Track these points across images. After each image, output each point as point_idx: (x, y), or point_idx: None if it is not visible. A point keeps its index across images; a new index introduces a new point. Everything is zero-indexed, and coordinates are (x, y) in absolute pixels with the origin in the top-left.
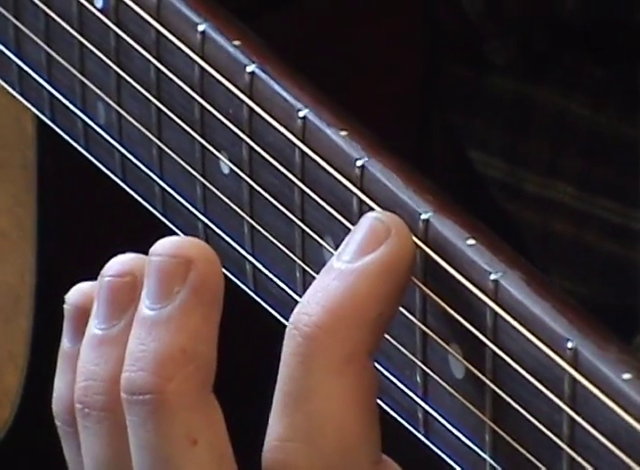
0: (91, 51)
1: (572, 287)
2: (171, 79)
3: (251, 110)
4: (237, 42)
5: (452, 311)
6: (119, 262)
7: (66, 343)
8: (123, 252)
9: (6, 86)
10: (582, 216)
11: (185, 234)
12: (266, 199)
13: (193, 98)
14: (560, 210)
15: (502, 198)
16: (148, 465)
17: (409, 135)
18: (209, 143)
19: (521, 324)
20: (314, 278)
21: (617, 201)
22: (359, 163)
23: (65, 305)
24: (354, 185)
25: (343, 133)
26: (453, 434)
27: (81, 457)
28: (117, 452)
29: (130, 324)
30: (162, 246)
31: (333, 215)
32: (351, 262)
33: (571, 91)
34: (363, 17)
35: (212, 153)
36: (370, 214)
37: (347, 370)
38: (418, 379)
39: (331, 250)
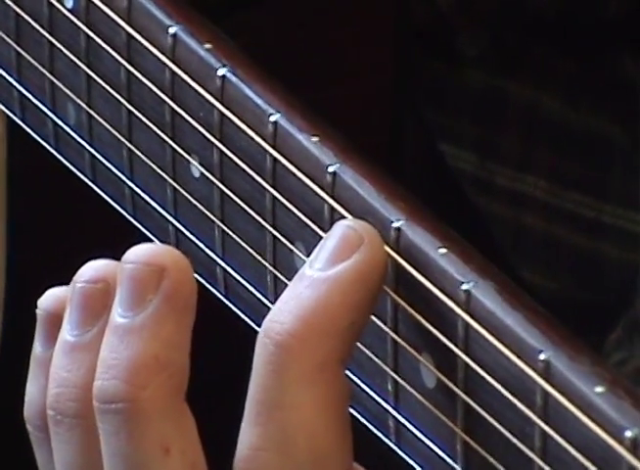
0: (61, 51)
1: (543, 281)
2: (142, 82)
3: (222, 114)
4: (208, 45)
5: (424, 321)
6: (92, 268)
7: (38, 347)
8: (95, 255)
9: None
10: (553, 210)
11: (156, 237)
12: (237, 204)
13: (163, 101)
14: (531, 203)
15: (473, 191)
16: None
17: (381, 131)
18: (180, 146)
19: (492, 335)
20: (285, 284)
21: (589, 195)
22: (331, 169)
23: (37, 310)
24: (326, 192)
25: (315, 139)
26: (424, 443)
27: (53, 464)
28: (89, 460)
29: (103, 331)
30: (135, 253)
31: (304, 222)
32: (324, 270)
33: (542, 85)
34: (334, 16)
35: (183, 156)
36: (342, 222)
37: (320, 379)
38: (389, 388)
39: (302, 256)
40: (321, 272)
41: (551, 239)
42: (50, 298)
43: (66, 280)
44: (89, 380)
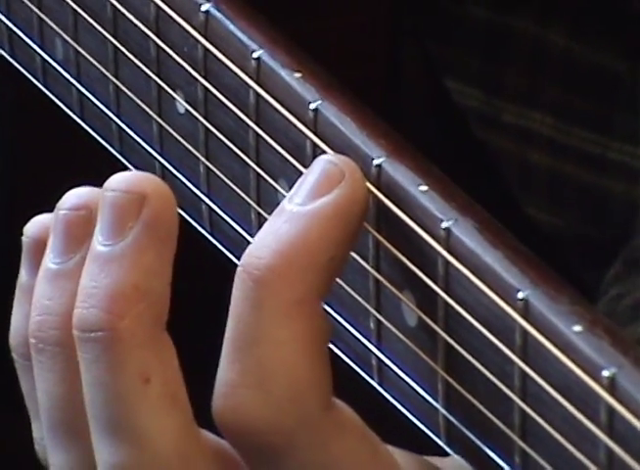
0: None
1: (548, 217)
2: (127, 17)
3: (206, 49)
4: None
5: (404, 259)
6: (75, 196)
7: (23, 275)
8: (83, 183)
9: None
10: (559, 147)
11: None
12: (221, 140)
13: (148, 36)
14: (536, 140)
15: (479, 127)
16: (100, 402)
17: (380, 65)
18: (165, 82)
19: (472, 273)
20: None
21: (595, 131)
22: (313, 105)
23: (23, 237)
24: (308, 128)
25: (298, 75)
26: (406, 382)
27: (33, 392)
28: (70, 388)
29: (85, 259)
30: (116, 181)
31: (286, 159)
32: (303, 205)
33: (547, 20)
34: None
35: (168, 92)
36: (323, 157)
37: (298, 314)
38: (372, 326)
39: (285, 193)
40: (300, 207)
41: (556, 175)
42: (35, 225)
43: (52, 210)
44: (71, 308)
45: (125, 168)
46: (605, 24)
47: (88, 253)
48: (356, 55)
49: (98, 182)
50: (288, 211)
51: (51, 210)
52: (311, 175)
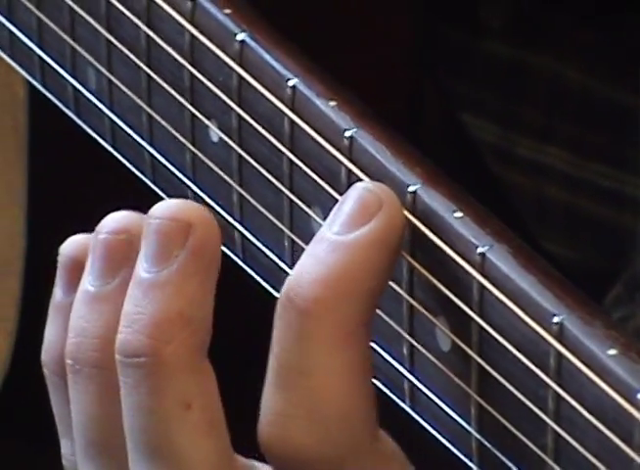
0: (81, 16)
1: (564, 251)
2: (161, 46)
3: (241, 78)
4: (227, 10)
5: (439, 284)
6: (115, 220)
7: (58, 293)
8: (109, 210)
9: None
10: (575, 181)
11: None
12: (255, 168)
13: (182, 65)
14: (553, 174)
15: (494, 162)
16: (140, 427)
17: (400, 99)
18: (199, 111)
19: (507, 298)
20: (303, 249)
21: (610, 165)
22: (348, 133)
23: (59, 256)
24: (343, 155)
25: (332, 103)
26: (439, 406)
27: (68, 409)
28: (105, 410)
29: (124, 283)
30: (162, 208)
31: (321, 186)
32: (343, 234)
33: (564, 56)
34: None
35: (202, 121)
36: (359, 185)
37: (344, 344)
38: (404, 351)
39: (319, 220)
40: (341, 236)
41: (572, 209)
42: (72, 244)
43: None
44: (108, 331)
45: (154, 196)
46: (620, 60)
47: (132, 278)
48: (377, 88)
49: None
50: (328, 240)
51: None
52: (349, 203)
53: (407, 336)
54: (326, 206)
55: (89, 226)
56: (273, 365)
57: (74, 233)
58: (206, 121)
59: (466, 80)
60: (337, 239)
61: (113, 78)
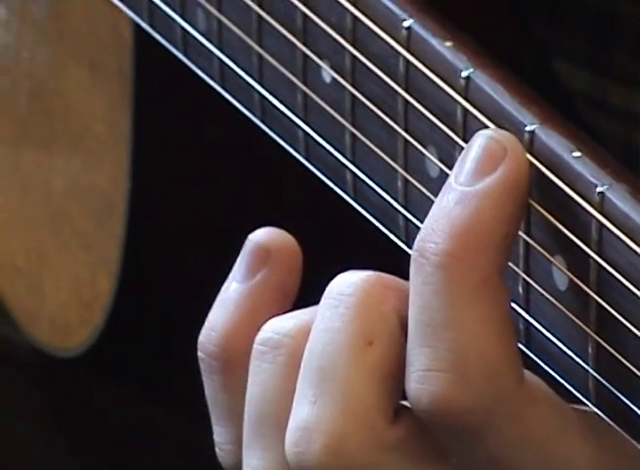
0: None
1: None
2: None
3: (355, 18)
4: None
5: (557, 223)
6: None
7: (237, 277)
8: (212, 153)
9: None
10: None
11: (285, 141)
12: (369, 108)
13: (295, 5)
14: None
15: (586, 110)
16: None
17: (497, 48)
18: (311, 51)
19: (627, 236)
20: (416, 188)
21: None
22: (464, 73)
23: (247, 241)
24: (459, 95)
25: (448, 44)
26: (555, 345)
27: (226, 395)
28: (285, 382)
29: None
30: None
31: (436, 125)
32: (471, 185)
33: None
34: None
35: (314, 61)
36: (483, 133)
37: (482, 295)
38: (520, 290)
39: (434, 159)
40: (469, 187)
41: None
42: (265, 233)
43: (188, 181)
44: (309, 314)
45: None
46: None
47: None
48: (474, 39)
49: (231, 152)
50: (455, 192)
51: (183, 182)
52: (473, 153)
53: (523, 275)
54: (441, 145)
55: (193, 167)
56: (413, 323)
57: (179, 176)
58: (319, 62)
59: (558, 28)
60: (464, 190)
61: (223, 19)
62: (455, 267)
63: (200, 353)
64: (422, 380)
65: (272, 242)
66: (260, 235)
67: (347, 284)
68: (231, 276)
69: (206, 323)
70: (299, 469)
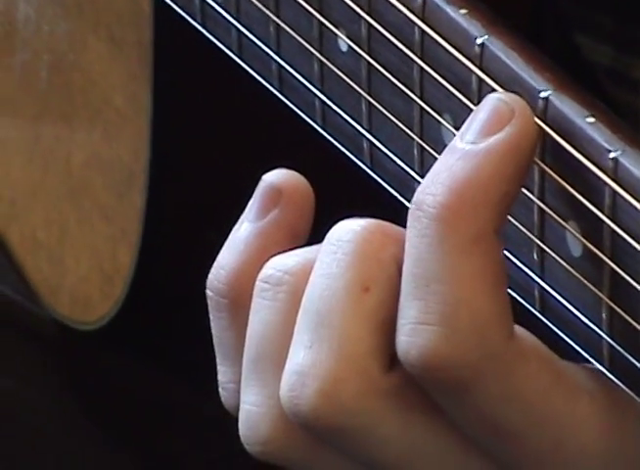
0: None
1: None
2: None
3: None
4: None
5: (571, 189)
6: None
7: (249, 217)
8: (231, 124)
9: None
10: None
11: (302, 111)
12: (385, 76)
13: None
14: None
15: (609, 84)
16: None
17: (520, 20)
18: (328, 20)
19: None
20: (432, 156)
21: None
22: (479, 40)
23: (261, 182)
24: (474, 63)
25: (463, 11)
26: (570, 311)
27: (231, 334)
28: (285, 318)
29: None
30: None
31: (452, 93)
32: (475, 143)
33: None
34: None
35: (331, 30)
36: (493, 95)
37: (476, 250)
38: (535, 257)
39: (450, 127)
40: (473, 145)
41: None
42: (278, 174)
43: (208, 152)
44: (310, 253)
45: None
46: None
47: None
48: (498, 11)
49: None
50: (460, 149)
51: (204, 153)
52: (482, 113)
53: (538, 241)
54: (457, 113)
55: (213, 141)
56: (406, 275)
57: (198, 147)
58: (336, 31)
59: (581, 2)
60: (468, 147)
61: None
62: (450, 221)
63: (208, 291)
64: (411, 333)
65: (284, 183)
66: (273, 176)
67: (347, 230)
68: (243, 216)
69: (216, 262)
70: (294, 413)
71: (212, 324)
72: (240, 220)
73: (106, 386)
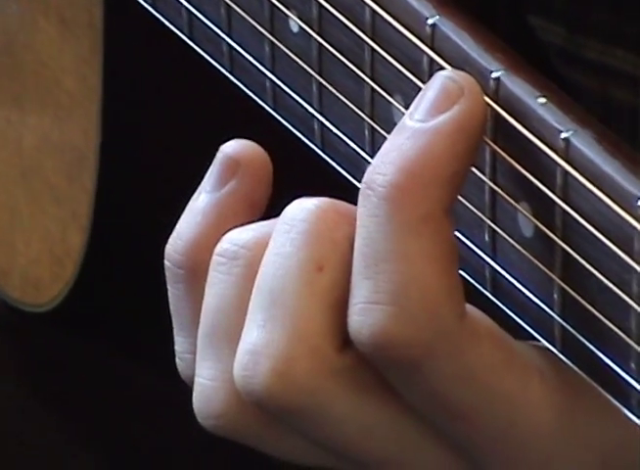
0: None
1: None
2: None
3: None
4: None
5: (522, 169)
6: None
7: (206, 188)
8: (182, 105)
9: None
10: None
11: (253, 92)
12: (335, 57)
13: None
14: (619, 77)
15: (561, 64)
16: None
17: (471, 2)
18: (279, 1)
19: (591, 183)
20: (384, 137)
21: None
22: (430, 21)
23: (218, 153)
24: (425, 43)
25: None
26: (521, 292)
27: (187, 303)
28: (243, 295)
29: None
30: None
31: (403, 74)
32: (424, 121)
33: None
34: None
35: (282, 11)
36: (442, 73)
37: (426, 229)
38: (486, 238)
39: (400, 108)
40: (422, 123)
41: (638, 112)
42: (236, 145)
43: (158, 133)
44: (266, 227)
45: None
46: None
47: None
48: None
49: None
50: (409, 128)
51: (155, 134)
52: (431, 91)
53: (489, 222)
54: (408, 94)
55: (164, 122)
56: (357, 255)
57: (149, 129)
58: (287, 12)
59: None
60: (417, 126)
61: None
62: (400, 200)
63: (165, 262)
64: (362, 312)
65: (242, 153)
66: (231, 146)
67: (300, 209)
68: (200, 187)
69: (174, 232)
70: (247, 392)
71: (170, 294)
72: (198, 191)
73: (60, 367)
